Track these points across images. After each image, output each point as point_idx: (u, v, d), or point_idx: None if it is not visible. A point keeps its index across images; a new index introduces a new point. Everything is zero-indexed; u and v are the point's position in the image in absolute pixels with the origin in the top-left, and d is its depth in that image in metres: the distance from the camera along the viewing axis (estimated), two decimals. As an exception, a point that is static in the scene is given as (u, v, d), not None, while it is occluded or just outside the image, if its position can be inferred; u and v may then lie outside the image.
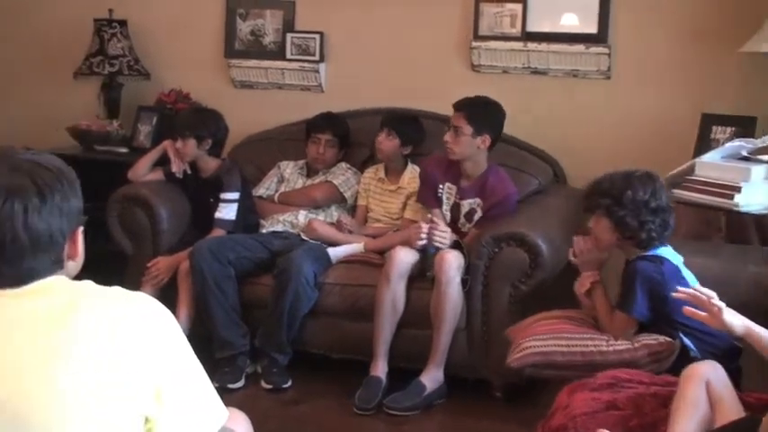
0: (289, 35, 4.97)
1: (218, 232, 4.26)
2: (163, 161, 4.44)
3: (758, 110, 4.03)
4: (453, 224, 4.06)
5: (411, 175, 4.36)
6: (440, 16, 4.69)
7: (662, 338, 2.91)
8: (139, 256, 4.28)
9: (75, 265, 1.71)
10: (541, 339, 3.10)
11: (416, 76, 4.74)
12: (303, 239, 4.27)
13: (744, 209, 3.42)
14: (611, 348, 2.97)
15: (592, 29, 4.42)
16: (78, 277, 1.71)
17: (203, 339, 3.81)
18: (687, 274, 2.96)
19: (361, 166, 4.60)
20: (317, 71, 4.94)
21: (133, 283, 3.91)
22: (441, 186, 4.12)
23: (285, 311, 3.92)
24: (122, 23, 5.11)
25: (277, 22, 5.03)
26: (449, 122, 4.04)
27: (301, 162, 4.63)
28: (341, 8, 4.87)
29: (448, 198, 4.12)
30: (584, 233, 3.17)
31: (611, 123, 4.43)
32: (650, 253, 2.98)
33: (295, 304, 3.93)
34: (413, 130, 4.41)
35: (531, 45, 4.49)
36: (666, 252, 3.00)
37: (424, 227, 3.88)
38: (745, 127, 3.96)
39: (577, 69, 4.47)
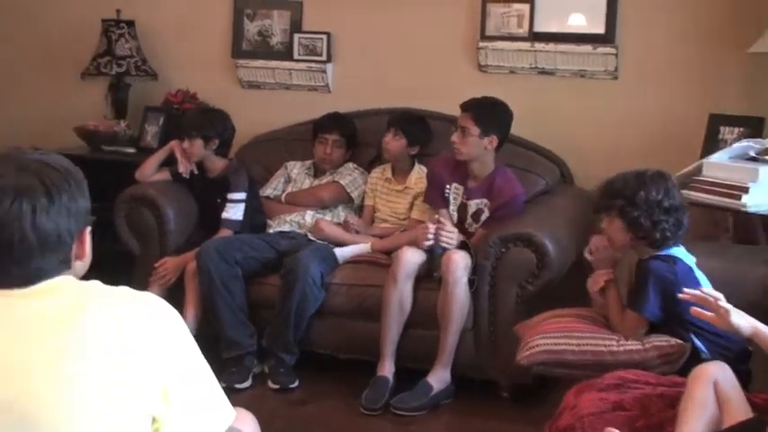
0: (296, 35, 4.97)
1: (225, 232, 4.27)
2: (170, 161, 4.45)
3: (766, 110, 4.02)
4: (460, 224, 4.05)
5: (418, 176, 4.35)
6: (447, 16, 4.69)
7: (673, 341, 2.90)
8: (147, 257, 4.29)
9: (82, 265, 1.72)
10: (552, 337, 3.09)
11: (423, 76, 4.74)
12: (310, 240, 4.27)
13: (751, 209, 3.41)
14: (621, 348, 2.96)
15: (599, 29, 4.41)
16: (86, 277, 1.71)
17: (210, 339, 3.81)
18: (699, 275, 2.95)
19: (368, 167, 4.60)
20: (324, 71, 4.94)
21: (140, 283, 3.91)
22: (448, 187, 4.12)
23: (292, 311, 3.92)
24: (130, 24, 5.12)
25: (284, 23, 5.03)
26: (456, 123, 4.04)
27: (308, 162, 4.63)
28: (348, 9, 4.87)
29: (455, 198, 4.12)
30: (600, 233, 3.16)
31: (619, 124, 4.43)
32: (663, 253, 2.96)
33: (302, 304, 3.93)
34: (420, 130, 4.41)
35: (539, 45, 4.49)
36: (679, 252, 2.98)
37: (431, 227, 3.88)
38: (752, 127, 3.95)
39: (585, 70, 4.47)
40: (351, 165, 4.57)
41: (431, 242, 3.86)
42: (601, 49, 4.39)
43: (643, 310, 2.94)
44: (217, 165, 4.41)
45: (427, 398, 3.76)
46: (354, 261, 4.16)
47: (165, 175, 4.46)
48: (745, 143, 3.65)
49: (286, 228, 4.39)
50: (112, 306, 1.61)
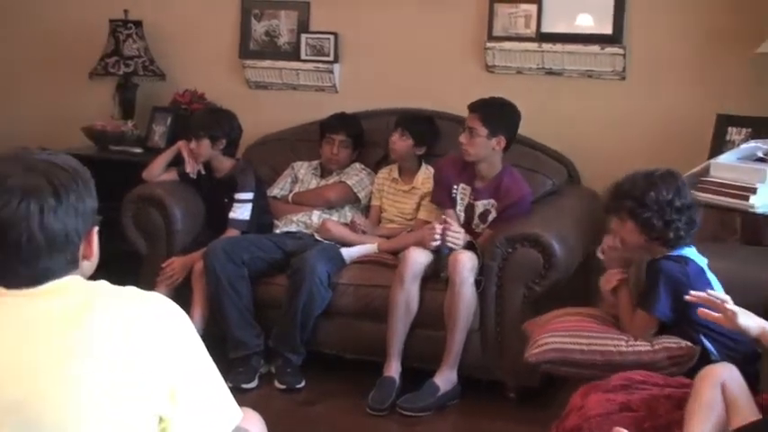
0: (303, 36, 4.98)
1: (232, 232, 4.27)
2: (177, 161, 4.46)
3: (774, 111, 4.02)
4: (467, 225, 4.05)
5: (425, 176, 4.35)
6: (454, 17, 4.69)
7: (683, 343, 2.88)
8: (154, 256, 4.30)
9: (90, 264, 1.72)
10: (560, 336, 3.08)
11: (431, 76, 4.74)
12: (317, 240, 4.27)
13: (759, 210, 3.40)
14: (630, 349, 2.95)
15: (607, 29, 4.40)
16: (93, 277, 1.72)
17: (217, 339, 3.81)
18: (711, 277, 2.94)
19: (375, 167, 4.60)
20: (331, 72, 4.94)
21: (148, 283, 3.92)
22: (455, 187, 4.12)
23: (299, 312, 3.93)
24: (137, 24, 5.12)
25: (291, 23, 5.04)
26: (463, 123, 4.04)
27: (315, 162, 4.63)
28: (355, 9, 4.87)
29: (462, 199, 4.11)
30: (611, 232, 3.15)
31: (626, 124, 4.42)
32: (675, 253, 2.95)
33: (309, 304, 3.93)
34: (426, 130, 4.41)
35: (546, 46, 4.49)
36: (691, 253, 2.97)
37: (438, 228, 3.87)
38: (760, 128, 3.94)
39: (592, 70, 4.46)
40: (358, 165, 4.58)
41: (437, 242, 3.86)
42: (608, 50, 4.39)
43: (654, 310, 2.93)
44: (224, 165, 4.42)
45: (434, 398, 3.76)
46: (361, 261, 4.16)
47: (172, 175, 4.46)
48: (752, 144, 3.64)
49: (293, 228, 4.39)
50: (120, 306, 1.62)
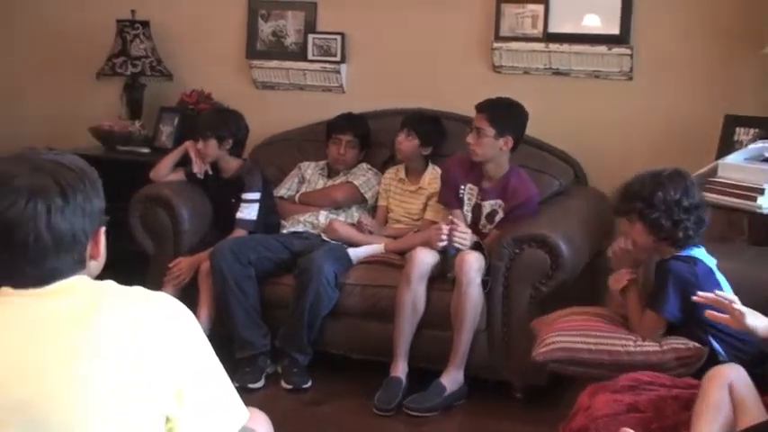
0: (310, 36, 4.98)
1: (239, 232, 4.28)
2: (184, 161, 4.46)
3: (782, 111, 4.01)
4: (474, 225, 4.05)
5: (432, 176, 4.35)
6: (461, 17, 4.68)
7: (691, 344, 2.88)
8: (161, 257, 4.30)
9: (97, 264, 1.72)
10: (568, 335, 3.08)
11: (438, 76, 4.73)
12: (324, 240, 4.27)
13: (767, 211, 3.39)
14: (638, 349, 2.95)
15: (614, 30, 4.39)
16: (100, 277, 1.72)
17: (224, 339, 3.81)
18: (720, 278, 2.93)
19: (382, 167, 4.60)
20: (338, 72, 4.94)
21: (154, 283, 3.92)
22: (462, 187, 4.11)
23: (306, 312, 3.93)
24: (145, 24, 5.13)
25: (298, 23, 5.04)
26: (470, 123, 4.04)
27: (322, 163, 4.63)
28: (362, 9, 4.87)
29: (469, 199, 4.11)
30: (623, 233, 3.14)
31: (633, 124, 4.41)
32: (684, 253, 2.95)
33: (316, 305, 3.94)
34: (432, 130, 4.41)
35: (553, 46, 4.48)
36: (700, 254, 2.96)
37: (445, 228, 3.87)
38: (768, 128, 3.94)
39: (599, 70, 4.45)
40: (364, 165, 4.58)
41: (444, 243, 3.86)
42: (615, 50, 4.38)
43: (662, 311, 2.92)
44: (231, 165, 4.42)
45: (440, 398, 3.76)
46: (368, 261, 4.15)
47: (179, 175, 4.47)
48: (760, 144, 3.63)
49: (300, 228, 4.39)
50: (127, 306, 1.62)
